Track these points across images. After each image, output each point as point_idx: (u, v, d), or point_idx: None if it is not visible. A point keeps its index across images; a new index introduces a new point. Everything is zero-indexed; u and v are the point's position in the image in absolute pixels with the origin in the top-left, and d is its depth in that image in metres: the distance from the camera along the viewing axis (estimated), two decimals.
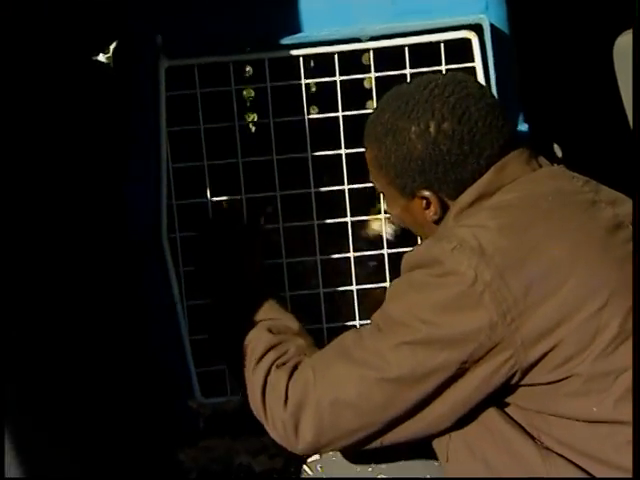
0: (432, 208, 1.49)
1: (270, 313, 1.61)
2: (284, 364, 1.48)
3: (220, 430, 2.16)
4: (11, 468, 1.36)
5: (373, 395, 1.35)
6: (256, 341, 1.54)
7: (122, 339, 2.10)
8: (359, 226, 2.18)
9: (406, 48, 2.05)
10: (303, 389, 1.41)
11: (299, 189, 2.11)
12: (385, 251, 2.00)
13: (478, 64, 2.05)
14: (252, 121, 3.08)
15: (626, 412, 1.24)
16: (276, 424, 1.46)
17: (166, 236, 2.07)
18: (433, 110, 1.44)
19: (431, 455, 1.50)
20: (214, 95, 2.08)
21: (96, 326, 2.01)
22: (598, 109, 2.45)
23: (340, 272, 2.26)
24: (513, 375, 1.30)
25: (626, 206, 1.44)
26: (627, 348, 1.25)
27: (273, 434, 1.49)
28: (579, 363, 1.26)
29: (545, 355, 1.27)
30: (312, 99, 2.15)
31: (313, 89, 2.37)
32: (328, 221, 2.14)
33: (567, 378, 1.27)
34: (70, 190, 1.97)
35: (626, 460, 1.24)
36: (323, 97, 2.38)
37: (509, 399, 1.35)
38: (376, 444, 1.41)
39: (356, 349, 1.40)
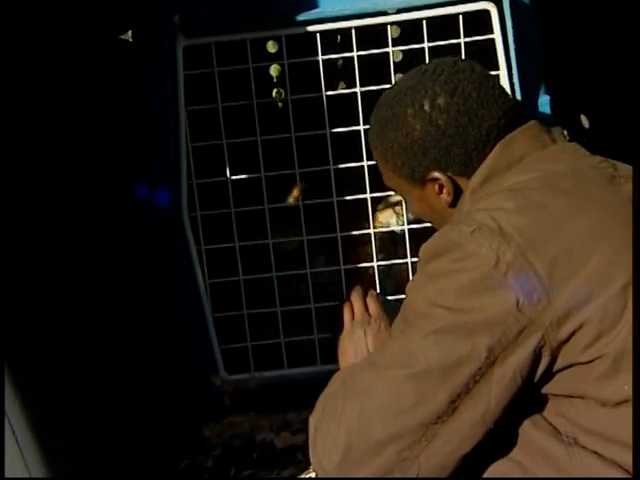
0: (445, 190, 1.46)
1: None
2: None
3: (244, 406, 2.18)
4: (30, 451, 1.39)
5: (402, 395, 1.25)
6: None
7: (148, 318, 2.12)
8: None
9: (424, 21, 2.03)
10: (332, 411, 1.32)
11: (319, 166, 2.11)
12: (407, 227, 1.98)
13: (497, 36, 2.03)
14: (280, 99, 3.10)
15: None
16: (312, 450, 1.35)
17: (187, 215, 2.09)
18: (425, 89, 1.42)
19: None
20: (233, 73, 2.08)
21: (122, 306, 2.03)
22: (622, 80, 2.40)
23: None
24: (544, 358, 1.24)
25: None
26: None
27: (315, 465, 1.42)
28: (609, 341, 1.21)
29: (574, 333, 1.22)
30: (340, 74, 2.13)
31: (340, 64, 2.36)
32: (348, 198, 2.14)
33: (598, 358, 1.22)
34: (86, 171, 1.98)
35: None
36: (351, 73, 2.37)
37: (541, 389, 1.28)
38: (412, 474, 1.26)
39: (380, 356, 1.33)
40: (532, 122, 1.45)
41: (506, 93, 1.46)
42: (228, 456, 2.00)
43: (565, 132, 1.65)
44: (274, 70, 3.28)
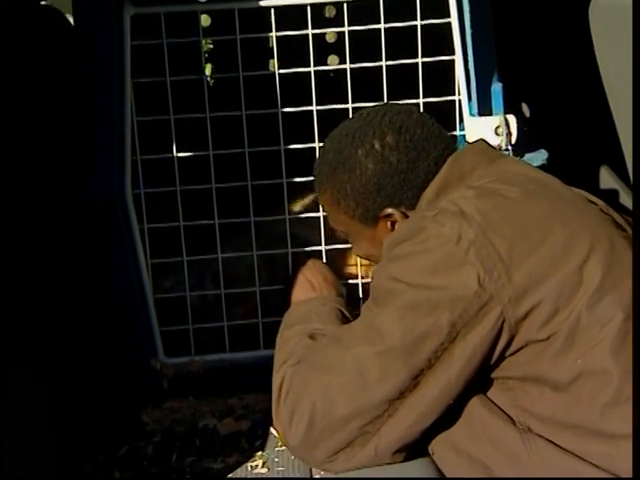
0: (398, 225, 1.52)
1: (321, 321, 1.59)
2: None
3: (184, 391, 2.12)
4: None
5: (366, 372, 1.30)
6: (294, 343, 1.53)
7: (86, 297, 2.04)
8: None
9: (381, 1, 2.00)
10: (298, 382, 1.38)
11: (268, 146, 2.05)
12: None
13: (454, 20, 2.02)
14: (217, 75, 3.02)
15: (612, 362, 1.24)
16: (277, 422, 1.42)
17: (130, 192, 2.01)
18: (373, 129, 1.50)
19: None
20: (174, 47, 2.00)
21: (58, 284, 1.94)
22: (572, 68, 2.43)
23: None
24: (503, 335, 1.28)
25: (590, 195, 1.49)
26: (610, 299, 1.27)
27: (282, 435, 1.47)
28: (564, 318, 1.27)
29: (532, 310, 1.27)
30: (272, 53, 2.08)
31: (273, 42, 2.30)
32: (297, 179, 2.09)
33: (554, 334, 1.27)
34: (27, 149, 1.88)
35: (610, 424, 1.24)
36: (284, 51, 2.32)
37: (499, 371, 1.33)
38: (370, 450, 1.33)
39: (347, 333, 1.39)
40: (478, 140, 1.58)
41: (444, 129, 1.58)
42: (169, 442, 1.93)
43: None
44: (204, 45, 3.21)
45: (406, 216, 1.51)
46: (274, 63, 2.58)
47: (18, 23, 1.93)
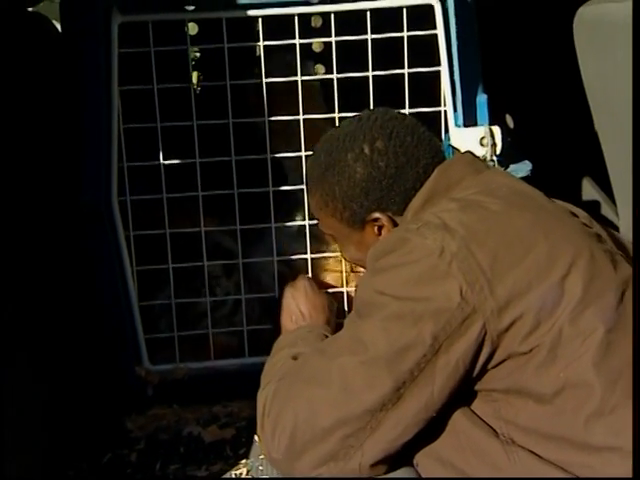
0: (384, 230, 1.52)
1: (307, 345, 1.59)
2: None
3: (169, 398, 2.12)
4: None
5: (350, 382, 1.30)
6: (278, 366, 1.52)
7: (71, 304, 2.03)
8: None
9: (368, 12, 2.01)
10: (281, 395, 1.38)
11: (254, 154, 2.06)
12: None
13: (440, 31, 2.03)
14: (204, 83, 3.02)
15: (594, 375, 1.24)
16: (261, 437, 1.40)
17: (116, 199, 2.01)
18: (364, 134, 1.51)
19: None
20: (161, 55, 2.00)
21: (43, 292, 1.93)
22: (555, 80, 2.45)
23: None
24: (485, 347, 1.28)
25: (573, 207, 1.51)
26: (593, 311, 1.27)
27: (264, 450, 1.42)
28: (547, 330, 1.27)
29: (514, 323, 1.27)
30: (258, 62, 2.09)
31: (259, 52, 2.31)
32: (283, 188, 2.10)
33: (536, 347, 1.27)
34: (13, 155, 1.87)
35: (594, 435, 1.23)
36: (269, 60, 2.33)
37: (481, 384, 1.33)
38: (354, 465, 1.31)
39: (330, 345, 1.40)
40: (466, 152, 1.60)
41: (435, 136, 1.58)
42: (153, 450, 1.94)
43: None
44: (192, 54, 3.21)
45: (393, 221, 1.51)
46: (260, 72, 2.61)
47: (3, 30, 1.93)
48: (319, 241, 2.18)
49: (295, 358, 1.50)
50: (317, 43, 3.37)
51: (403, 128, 1.52)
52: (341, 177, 1.51)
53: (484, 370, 1.32)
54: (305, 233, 2.10)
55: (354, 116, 1.59)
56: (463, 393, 1.34)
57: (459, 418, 1.35)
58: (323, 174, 1.54)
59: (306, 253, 2.12)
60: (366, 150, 1.49)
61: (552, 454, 1.28)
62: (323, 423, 1.31)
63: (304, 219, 2.10)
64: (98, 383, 2.07)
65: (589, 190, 2.55)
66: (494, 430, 1.32)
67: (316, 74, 2.69)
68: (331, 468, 1.33)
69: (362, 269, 1.64)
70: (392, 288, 1.32)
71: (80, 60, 1.95)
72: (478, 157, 1.61)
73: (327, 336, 1.62)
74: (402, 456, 1.37)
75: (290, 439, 1.33)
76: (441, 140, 2.03)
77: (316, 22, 3.10)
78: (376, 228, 1.53)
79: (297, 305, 1.82)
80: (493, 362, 1.30)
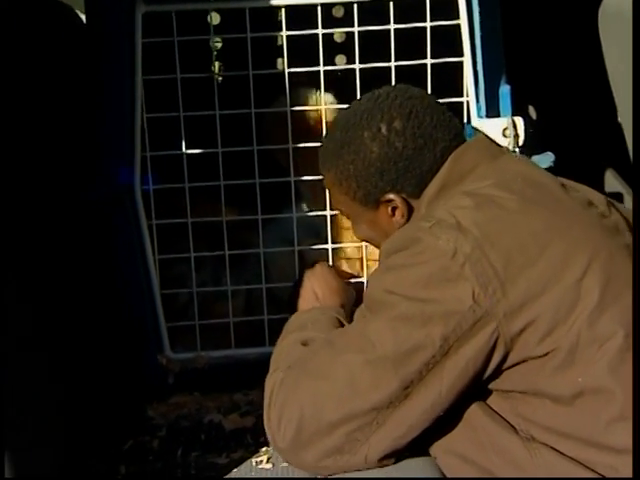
0: (398, 211, 1.49)
1: (317, 329, 1.56)
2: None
3: (190, 386, 2.13)
4: None
5: (356, 379, 1.28)
6: (287, 351, 1.51)
7: (94, 293, 2.05)
8: None
9: (391, 3, 2.01)
10: (288, 386, 1.36)
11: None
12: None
13: (463, 21, 2.03)
14: (226, 73, 3.04)
15: (613, 381, 1.21)
16: (267, 425, 1.38)
17: (139, 188, 2.02)
18: (382, 113, 1.46)
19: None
20: (184, 45, 2.01)
21: (67, 280, 1.95)
22: (580, 71, 2.44)
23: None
24: (498, 350, 1.26)
25: (593, 194, 1.45)
26: (610, 316, 1.23)
27: (270, 438, 1.40)
28: (562, 334, 1.23)
29: (528, 326, 1.24)
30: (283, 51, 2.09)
31: (282, 42, 2.32)
32: (305, 178, 2.11)
33: (552, 351, 1.25)
34: (37, 144, 1.89)
35: (615, 438, 1.21)
36: (293, 50, 2.33)
37: (497, 384, 1.32)
38: (360, 458, 1.30)
39: (339, 338, 1.37)
40: (481, 136, 1.54)
41: (455, 118, 1.52)
42: (174, 437, 1.95)
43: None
44: (214, 44, 3.22)
45: (407, 203, 1.48)
46: (283, 61, 2.61)
47: (28, 18, 1.94)
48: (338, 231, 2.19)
49: (304, 344, 1.48)
50: (339, 34, 3.39)
51: (423, 108, 1.47)
52: (356, 156, 1.47)
53: (499, 371, 1.30)
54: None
55: (373, 92, 1.54)
56: (479, 390, 1.33)
57: (477, 414, 1.33)
58: (339, 151, 1.50)
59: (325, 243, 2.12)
60: (383, 130, 1.45)
61: (573, 452, 1.27)
62: (329, 418, 1.30)
63: (324, 209, 2.11)
64: (120, 371, 2.09)
65: (612, 181, 2.53)
66: (513, 427, 1.31)
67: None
68: (337, 461, 1.32)
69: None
70: (402, 288, 1.29)
71: (104, 50, 1.97)
72: (493, 141, 1.56)
73: (340, 320, 1.60)
74: (416, 447, 1.36)
75: (296, 431, 1.32)
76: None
77: (338, 12, 3.10)
78: (390, 209, 1.49)
79: (312, 287, 1.79)
80: (508, 363, 1.28)
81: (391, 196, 1.48)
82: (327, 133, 1.58)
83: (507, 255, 1.26)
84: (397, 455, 1.33)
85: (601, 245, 1.30)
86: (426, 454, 1.39)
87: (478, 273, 1.25)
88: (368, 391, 1.28)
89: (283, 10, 2.01)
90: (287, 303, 1.83)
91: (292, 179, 2.09)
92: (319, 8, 2.01)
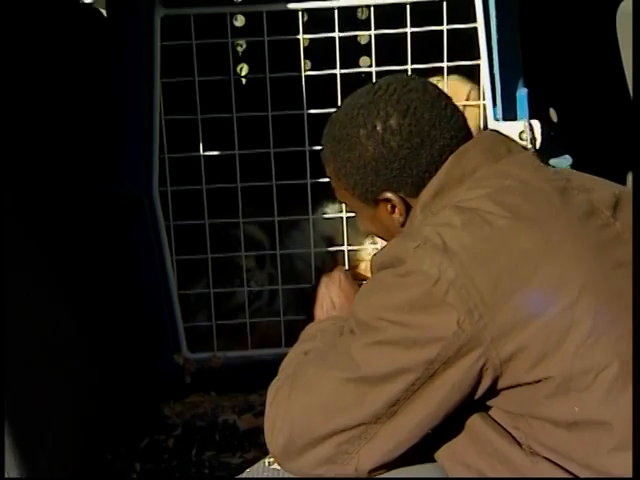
0: (397, 210, 1.45)
1: (323, 339, 1.57)
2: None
3: (206, 386, 2.15)
4: None
5: (342, 395, 1.29)
6: (291, 360, 1.53)
7: (111, 292, 2.08)
8: None
9: (407, 6, 2.01)
10: (282, 396, 1.38)
11: (293, 147, 2.08)
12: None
13: (480, 25, 2.03)
14: (245, 75, 3.06)
15: (610, 413, 1.18)
16: (265, 429, 1.41)
17: (157, 189, 2.05)
18: (378, 110, 1.41)
19: None
20: (207, 47, 2.03)
21: (85, 279, 1.98)
22: (599, 74, 2.42)
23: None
24: (486, 374, 1.24)
25: (601, 192, 1.37)
26: (605, 343, 1.19)
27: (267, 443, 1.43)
28: (556, 362, 1.20)
29: (519, 351, 1.21)
30: (305, 54, 2.10)
31: (306, 43, 2.33)
32: (321, 180, 2.11)
33: (546, 379, 1.22)
34: (57, 143, 1.92)
35: (614, 465, 1.18)
36: (315, 52, 2.34)
37: (493, 403, 1.30)
38: (350, 469, 1.31)
39: (330, 352, 1.36)
40: (488, 132, 1.46)
41: (458, 111, 1.45)
42: (189, 436, 1.98)
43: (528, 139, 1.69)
44: (238, 45, 3.24)
45: (405, 202, 1.44)
46: (306, 64, 2.63)
47: (52, 18, 1.97)
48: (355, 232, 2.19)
49: (307, 354, 1.49)
50: (363, 36, 3.39)
51: (422, 103, 1.41)
52: (352, 154, 1.43)
53: (494, 392, 1.28)
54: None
55: (374, 83, 1.49)
56: (480, 405, 1.31)
57: (480, 426, 1.32)
58: (336, 147, 1.46)
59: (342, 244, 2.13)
60: (378, 127, 1.40)
61: (575, 472, 1.24)
62: (318, 430, 1.31)
63: (341, 211, 2.12)
64: (138, 370, 2.11)
65: (630, 185, 2.52)
66: (516, 439, 1.29)
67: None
68: (330, 470, 1.33)
69: None
70: (388, 312, 1.28)
71: (123, 52, 1.99)
72: (502, 137, 1.46)
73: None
74: (424, 455, 1.36)
75: (287, 440, 1.34)
76: None
77: (363, 14, 3.11)
78: (389, 206, 1.46)
79: (329, 295, 1.80)
80: (501, 386, 1.26)
81: (388, 195, 1.44)
82: (328, 126, 1.53)
83: (496, 279, 1.22)
84: (389, 467, 1.33)
85: (596, 266, 1.24)
86: (433, 461, 1.38)
87: (463, 299, 1.22)
88: (353, 407, 1.29)
89: (300, 13, 2.02)
90: (306, 312, 1.84)
91: (308, 181, 2.10)
92: (336, 12, 2.01)
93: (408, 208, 1.45)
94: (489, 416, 1.32)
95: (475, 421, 1.32)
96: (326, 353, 1.38)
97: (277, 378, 1.47)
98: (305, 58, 2.14)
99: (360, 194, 1.47)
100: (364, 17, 3.07)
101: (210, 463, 1.87)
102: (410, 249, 1.27)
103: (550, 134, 2.77)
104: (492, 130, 1.48)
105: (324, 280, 1.87)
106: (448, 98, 1.46)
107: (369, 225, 1.55)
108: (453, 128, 1.41)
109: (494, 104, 2.05)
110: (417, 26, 2.03)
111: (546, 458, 1.26)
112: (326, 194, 2.28)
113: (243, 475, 1.79)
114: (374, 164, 1.42)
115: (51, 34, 1.91)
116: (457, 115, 1.44)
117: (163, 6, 1.98)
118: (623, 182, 2.59)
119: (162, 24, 1.99)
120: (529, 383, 1.23)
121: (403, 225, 1.47)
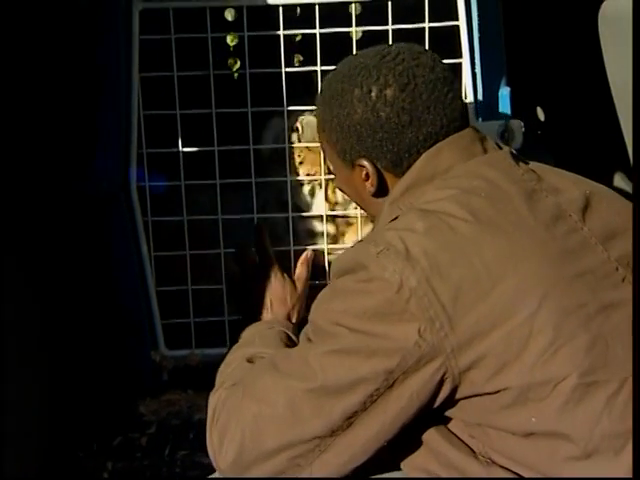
0: (370, 179, 1.41)
1: (264, 344, 1.52)
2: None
3: (184, 384, 2.14)
4: None
5: (298, 407, 1.25)
6: (233, 367, 1.47)
7: (88, 288, 2.06)
8: None
9: (389, 3, 2.00)
10: (230, 406, 1.33)
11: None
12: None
13: (462, 23, 2.02)
14: (236, 70, 3.04)
15: (567, 424, 1.17)
16: (209, 443, 1.37)
17: (135, 185, 2.03)
18: (379, 75, 1.37)
19: None
20: (189, 42, 2.01)
21: (60, 276, 1.96)
22: (581, 73, 2.41)
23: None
24: (445, 384, 1.23)
25: (572, 192, 1.34)
26: (564, 355, 1.18)
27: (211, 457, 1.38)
28: (515, 372, 1.18)
29: (477, 362, 1.20)
30: (297, 48, 2.09)
31: (298, 38, 2.31)
32: (300, 178, 2.10)
33: (505, 389, 1.20)
34: (32, 139, 1.90)
35: (571, 474, 1.17)
36: (309, 47, 2.31)
37: (450, 413, 1.28)
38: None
39: (283, 361, 1.32)
40: (466, 130, 1.41)
41: (459, 98, 1.41)
42: (163, 435, 1.96)
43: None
44: (230, 39, 3.22)
45: (380, 175, 1.41)
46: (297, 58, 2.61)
47: (26, 8, 1.95)
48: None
49: (250, 360, 1.45)
50: (355, 32, 3.37)
51: (424, 83, 1.36)
52: (341, 110, 1.40)
53: (452, 401, 1.26)
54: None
55: (385, 47, 1.44)
56: (437, 416, 1.30)
57: (435, 439, 1.30)
58: (329, 101, 1.43)
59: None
60: (373, 93, 1.37)
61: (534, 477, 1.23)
62: (270, 444, 1.27)
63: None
64: (114, 367, 2.10)
65: (612, 183, 2.51)
66: (472, 450, 1.28)
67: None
68: None
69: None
70: (348, 319, 1.25)
71: (100, 46, 1.97)
72: (479, 136, 1.42)
73: (287, 334, 1.55)
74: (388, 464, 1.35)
75: (237, 453, 1.29)
76: None
77: (356, 11, 3.08)
78: (364, 174, 1.43)
79: (270, 296, 1.67)
80: (459, 396, 1.25)
81: (365, 163, 1.41)
82: (328, 75, 1.49)
83: (457, 289, 1.20)
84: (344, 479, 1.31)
85: (558, 277, 1.22)
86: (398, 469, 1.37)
87: (424, 308, 1.20)
88: (309, 419, 1.25)
89: (281, 9, 2.00)
90: (236, 303, 1.74)
91: (288, 179, 2.08)
92: (317, 7, 2.00)
93: (381, 180, 1.42)
94: (445, 427, 1.30)
95: (431, 435, 1.30)
96: (279, 363, 1.33)
97: (218, 387, 1.42)
98: (297, 53, 2.12)
99: (339, 152, 1.44)
100: (358, 13, 3.06)
101: (183, 462, 1.86)
102: (372, 255, 1.25)
103: (537, 133, 2.77)
104: (471, 128, 1.43)
105: (267, 285, 1.71)
106: (454, 84, 1.41)
107: (343, 186, 1.52)
108: (447, 116, 1.38)
109: (476, 103, 2.04)
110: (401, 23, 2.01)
111: (503, 467, 1.24)
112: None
113: (215, 475, 1.77)
114: (358, 128, 1.38)
115: (24, 26, 1.89)
116: (456, 104, 1.40)
117: (141, 0, 1.96)
118: (605, 181, 2.58)
119: (163, 18, 1.97)
120: (488, 393, 1.21)
121: (374, 195, 1.44)
